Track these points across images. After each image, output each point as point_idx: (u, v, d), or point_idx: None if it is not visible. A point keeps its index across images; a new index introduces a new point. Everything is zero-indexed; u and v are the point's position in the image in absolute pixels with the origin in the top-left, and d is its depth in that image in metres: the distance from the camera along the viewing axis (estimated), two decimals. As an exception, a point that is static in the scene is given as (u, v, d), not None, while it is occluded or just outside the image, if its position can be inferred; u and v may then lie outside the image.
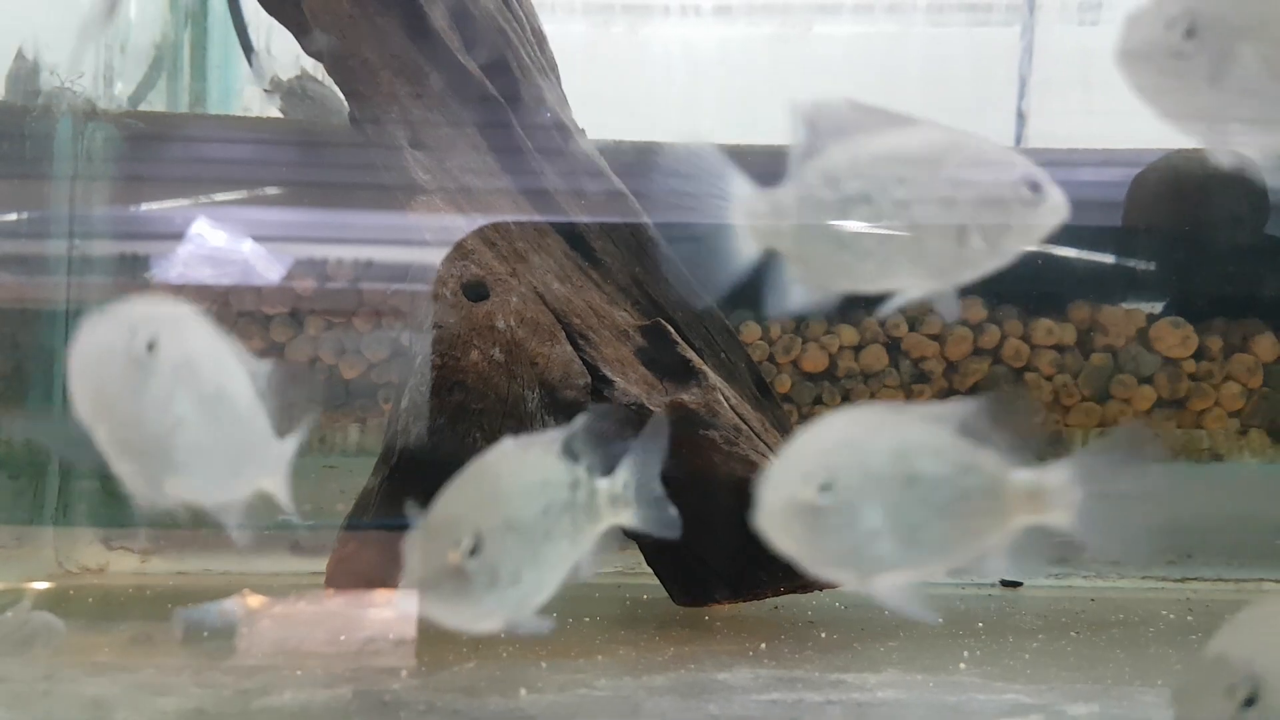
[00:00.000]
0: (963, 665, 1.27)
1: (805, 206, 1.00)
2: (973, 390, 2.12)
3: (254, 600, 1.42)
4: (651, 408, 1.57)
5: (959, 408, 0.97)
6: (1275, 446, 2.06)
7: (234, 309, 2.11)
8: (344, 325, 2.12)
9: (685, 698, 1.15)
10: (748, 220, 1.02)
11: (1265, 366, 2.07)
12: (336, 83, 1.73)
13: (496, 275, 1.60)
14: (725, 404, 1.60)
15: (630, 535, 1.61)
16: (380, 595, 1.43)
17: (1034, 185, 0.99)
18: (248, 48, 2.56)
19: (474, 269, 1.58)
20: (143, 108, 2.49)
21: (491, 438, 1.51)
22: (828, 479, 0.94)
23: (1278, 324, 2.07)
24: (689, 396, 1.58)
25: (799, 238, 1.01)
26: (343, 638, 1.38)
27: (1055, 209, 1.00)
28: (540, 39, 1.94)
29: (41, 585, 1.91)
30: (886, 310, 1.04)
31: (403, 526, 1.15)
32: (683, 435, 1.55)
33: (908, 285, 1.02)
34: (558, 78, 1.95)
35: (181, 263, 2.00)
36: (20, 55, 2.25)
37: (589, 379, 1.59)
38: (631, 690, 1.17)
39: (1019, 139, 2.74)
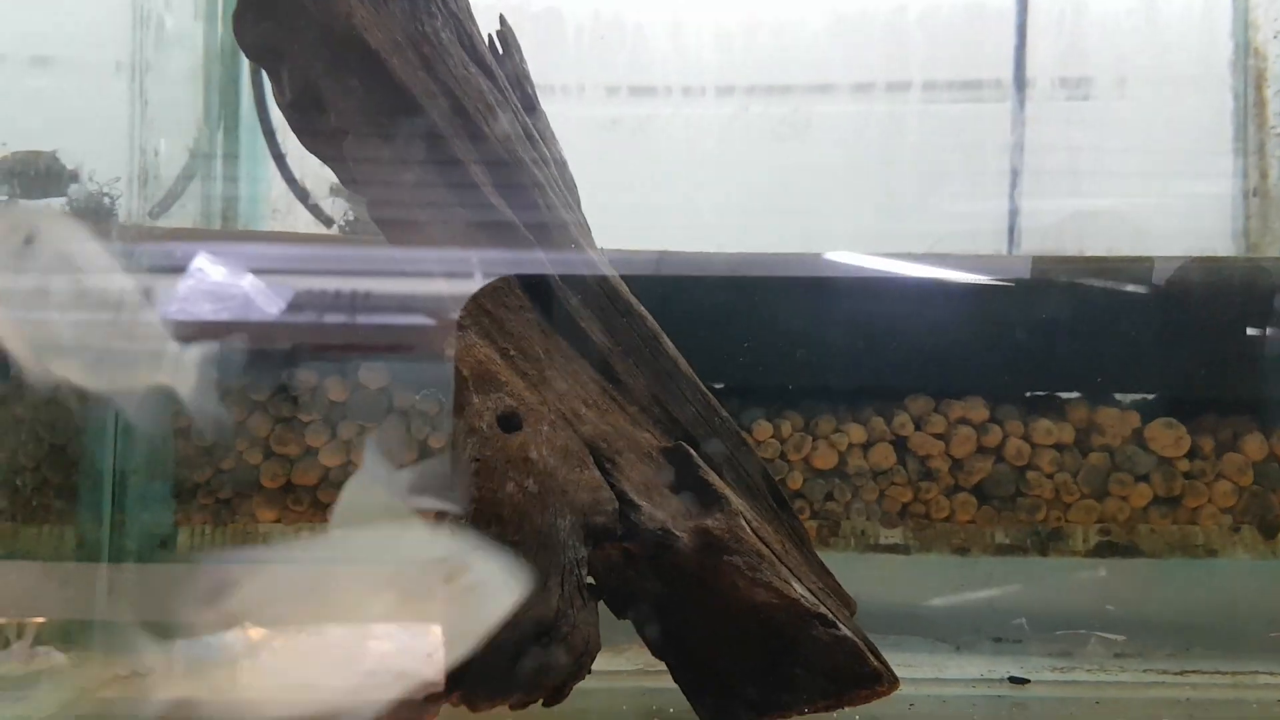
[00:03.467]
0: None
1: None
2: (977, 488, 2.21)
3: (255, 633, 1.46)
4: (677, 533, 1.66)
5: None
6: (1267, 543, 2.16)
7: (272, 413, 2.20)
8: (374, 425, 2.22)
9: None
10: None
11: (1255, 465, 2.17)
12: (376, 222, 1.84)
13: (528, 404, 1.69)
14: (748, 528, 1.69)
15: (656, 653, 1.71)
16: (383, 628, 1.47)
17: None
18: (277, 154, 2.68)
19: (507, 399, 1.68)
20: (173, 214, 2.60)
21: (526, 569, 1.60)
22: None
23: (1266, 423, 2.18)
24: (713, 522, 1.67)
25: None
26: (345, 670, 1.41)
27: None
28: (561, 166, 2.06)
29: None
30: None
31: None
32: (707, 561, 1.64)
33: None
34: (577, 200, 2.06)
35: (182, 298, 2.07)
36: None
37: (617, 504, 1.68)
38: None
39: (1012, 232, 2.85)
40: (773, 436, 2.26)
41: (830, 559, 2.16)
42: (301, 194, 2.68)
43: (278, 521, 2.17)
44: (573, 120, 3.13)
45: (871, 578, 2.19)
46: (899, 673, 1.97)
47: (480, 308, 1.77)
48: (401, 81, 1.80)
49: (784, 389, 2.29)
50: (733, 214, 3.07)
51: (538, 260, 1.85)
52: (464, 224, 1.79)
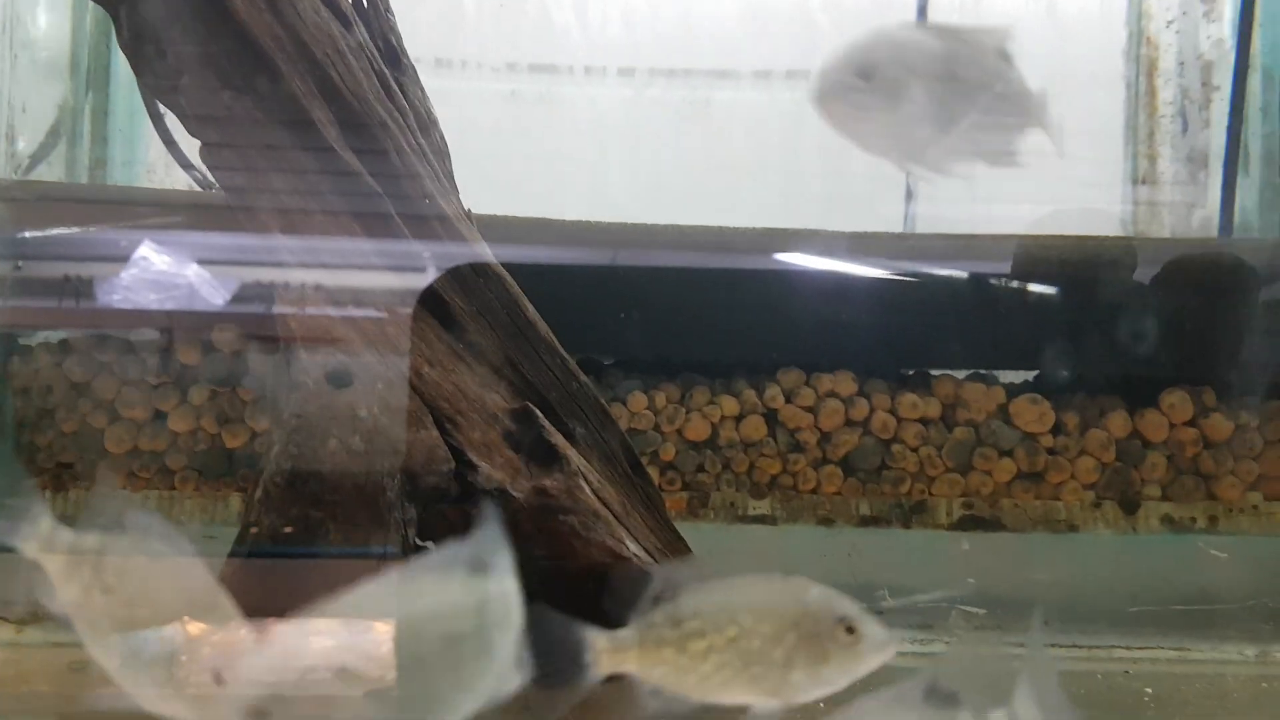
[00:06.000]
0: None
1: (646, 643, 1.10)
2: (844, 459, 2.20)
3: (194, 627, 1.42)
4: (514, 493, 1.61)
5: None
6: (1128, 518, 2.18)
7: (118, 377, 2.11)
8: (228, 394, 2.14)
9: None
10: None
11: (1118, 442, 2.19)
12: (210, 170, 1.76)
13: (363, 363, 1.64)
14: (586, 489, 1.65)
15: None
16: (325, 623, 1.43)
17: (849, 627, 1.09)
18: (154, 112, 2.57)
19: (339, 357, 1.62)
20: (41, 174, 2.49)
21: (346, 528, 1.55)
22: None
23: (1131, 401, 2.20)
24: (551, 482, 1.63)
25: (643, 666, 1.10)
26: (285, 666, 1.37)
27: (874, 649, 1.08)
28: (428, 125, 2.00)
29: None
30: None
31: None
32: (543, 521, 1.60)
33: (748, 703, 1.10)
34: (446, 159, 2.01)
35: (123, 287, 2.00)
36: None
37: (452, 464, 1.63)
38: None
39: (907, 218, 2.86)
40: (647, 408, 2.23)
41: (699, 530, 2.13)
42: (179, 155, 2.58)
43: (124, 488, 2.08)
44: (472, 94, 3.08)
45: (738, 549, 2.17)
46: (757, 645, 1.95)
47: (321, 264, 1.71)
48: (243, 23, 1.73)
49: (662, 362, 2.27)
50: (636, 190, 3.03)
51: (388, 217, 1.79)
52: (305, 176, 1.72)
